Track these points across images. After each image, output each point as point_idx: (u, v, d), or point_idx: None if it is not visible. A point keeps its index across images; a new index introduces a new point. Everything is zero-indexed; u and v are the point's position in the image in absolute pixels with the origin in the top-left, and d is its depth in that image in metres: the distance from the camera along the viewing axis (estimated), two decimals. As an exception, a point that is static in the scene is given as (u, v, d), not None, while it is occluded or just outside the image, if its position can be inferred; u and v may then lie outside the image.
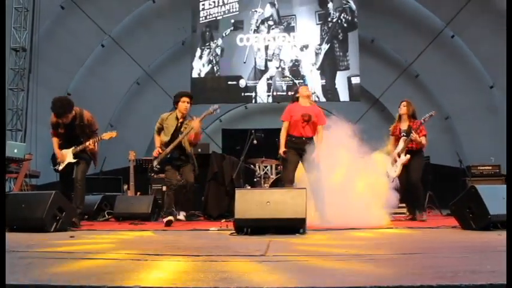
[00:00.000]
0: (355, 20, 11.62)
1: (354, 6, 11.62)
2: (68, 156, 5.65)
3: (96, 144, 5.70)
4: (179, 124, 5.98)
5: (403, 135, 6.21)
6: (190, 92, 6.66)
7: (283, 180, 5.93)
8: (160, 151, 5.91)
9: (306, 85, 6.46)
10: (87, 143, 5.60)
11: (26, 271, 2.09)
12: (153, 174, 6.66)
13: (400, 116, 6.41)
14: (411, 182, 6.15)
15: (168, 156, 5.86)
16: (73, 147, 5.66)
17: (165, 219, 5.60)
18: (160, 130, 6.07)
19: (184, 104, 5.98)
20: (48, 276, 1.97)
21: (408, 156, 6.12)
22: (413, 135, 6.05)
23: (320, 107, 6.21)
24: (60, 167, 5.69)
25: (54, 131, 5.75)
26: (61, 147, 5.74)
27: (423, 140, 6.17)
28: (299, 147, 5.72)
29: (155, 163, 5.91)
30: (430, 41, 11.62)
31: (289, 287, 1.73)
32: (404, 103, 6.39)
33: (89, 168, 5.93)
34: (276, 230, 4.02)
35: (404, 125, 6.33)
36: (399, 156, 6.18)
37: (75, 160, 5.63)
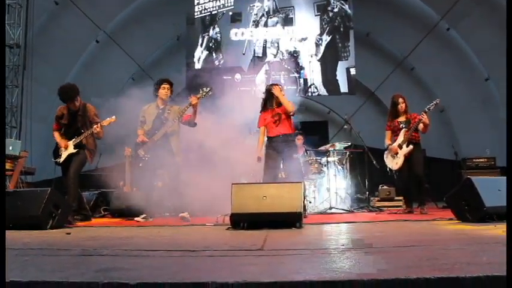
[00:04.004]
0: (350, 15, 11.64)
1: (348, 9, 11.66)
2: (69, 147, 5.59)
3: (101, 128, 5.62)
4: (160, 111, 5.81)
5: (403, 127, 6.24)
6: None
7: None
8: (145, 139, 5.69)
9: (276, 84, 6.28)
10: (93, 128, 5.55)
11: (22, 268, 2.09)
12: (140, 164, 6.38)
13: (397, 111, 6.38)
14: (416, 176, 6.15)
15: (158, 142, 5.64)
16: (74, 139, 5.60)
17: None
18: (143, 123, 5.87)
19: (164, 90, 5.81)
20: (44, 273, 1.96)
21: (411, 146, 6.12)
22: (424, 117, 6.00)
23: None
24: (61, 159, 5.60)
25: (56, 124, 5.75)
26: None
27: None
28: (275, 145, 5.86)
29: (142, 152, 5.66)
30: (425, 34, 11.60)
31: (287, 281, 1.73)
32: (402, 99, 6.36)
33: (84, 165, 5.87)
34: (272, 224, 4.01)
35: (402, 119, 6.36)
36: (400, 148, 6.20)
37: (75, 150, 5.55)
